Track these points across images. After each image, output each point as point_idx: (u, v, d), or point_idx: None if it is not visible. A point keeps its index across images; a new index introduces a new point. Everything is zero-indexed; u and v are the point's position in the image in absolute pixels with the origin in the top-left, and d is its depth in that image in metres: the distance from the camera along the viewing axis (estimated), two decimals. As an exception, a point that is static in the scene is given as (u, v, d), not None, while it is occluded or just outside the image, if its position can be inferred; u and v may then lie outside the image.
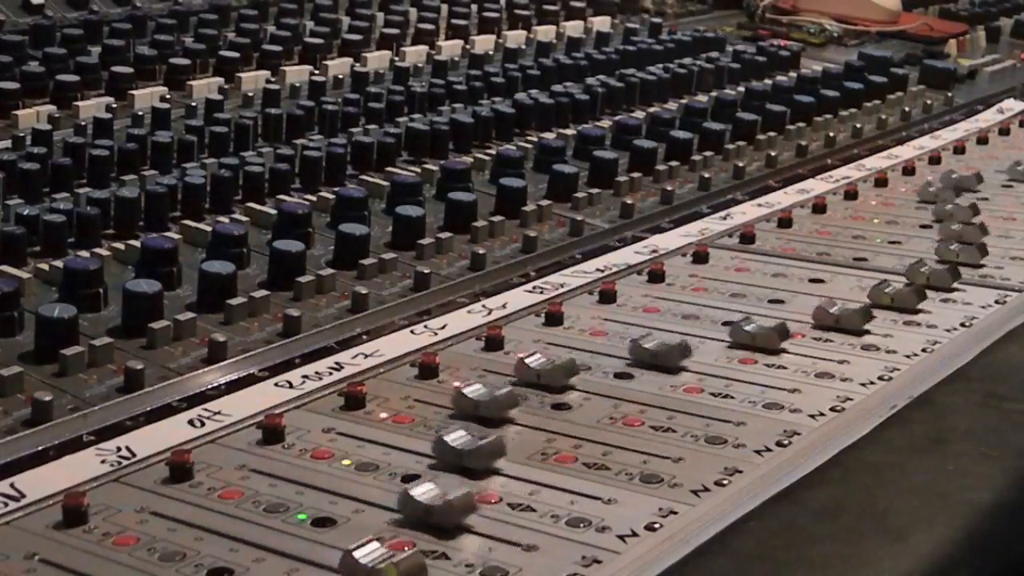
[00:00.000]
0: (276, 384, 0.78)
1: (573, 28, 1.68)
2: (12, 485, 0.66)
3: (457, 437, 0.69)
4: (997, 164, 1.30)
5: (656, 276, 0.97)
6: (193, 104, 1.24)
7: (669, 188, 1.14)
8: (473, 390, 0.74)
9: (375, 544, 0.59)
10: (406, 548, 0.60)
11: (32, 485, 0.66)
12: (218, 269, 0.87)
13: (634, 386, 0.80)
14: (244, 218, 1.00)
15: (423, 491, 0.64)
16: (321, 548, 0.62)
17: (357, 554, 0.58)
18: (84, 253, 0.91)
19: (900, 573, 0.62)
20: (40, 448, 0.70)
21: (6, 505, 0.64)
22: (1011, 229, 1.10)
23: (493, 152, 1.18)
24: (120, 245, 0.94)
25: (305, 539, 0.63)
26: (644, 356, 0.81)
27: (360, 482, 0.68)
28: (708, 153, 1.24)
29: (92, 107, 1.21)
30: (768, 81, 1.51)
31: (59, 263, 0.88)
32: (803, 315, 0.90)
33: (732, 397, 0.78)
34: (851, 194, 1.18)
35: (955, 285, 0.95)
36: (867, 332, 0.88)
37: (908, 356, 0.85)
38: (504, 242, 1.01)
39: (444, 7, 1.64)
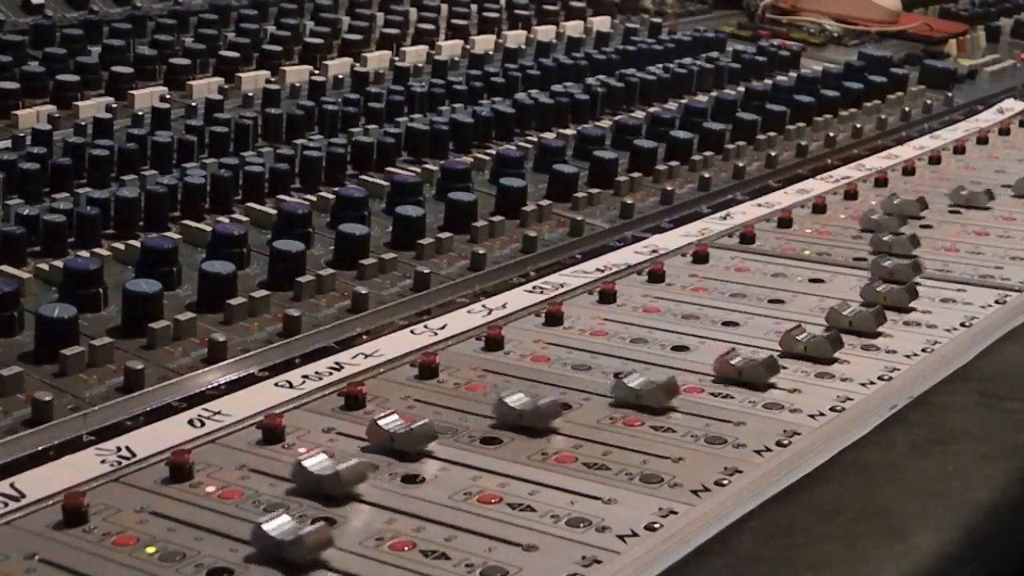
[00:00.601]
0: (276, 384, 0.78)
1: (573, 28, 1.68)
2: (12, 485, 0.66)
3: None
4: (997, 164, 1.30)
5: (656, 276, 0.97)
6: (193, 104, 1.24)
7: (669, 188, 1.14)
8: (515, 399, 0.74)
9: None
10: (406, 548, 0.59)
11: (32, 485, 0.66)
12: (218, 269, 0.87)
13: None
14: (244, 218, 1.00)
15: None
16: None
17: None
18: (84, 253, 0.91)
19: (901, 573, 0.62)
20: (40, 448, 0.70)
21: (6, 505, 0.64)
22: (1010, 229, 1.10)
23: (493, 152, 1.18)
24: (120, 245, 0.94)
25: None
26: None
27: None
28: (708, 153, 1.24)
29: (92, 107, 1.21)
30: (768, 81, 1.51)
31: (59, 263, 0.88)
32: (803, 315, 0.90)
33: (732, 397, 0.78)
34: (851, 194, 1.18)
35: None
36: (880, 335, 0.87)
37: (908, 356, 0.85)
38: (504, 242, 1.01)
39: (444, 7, 1.64)
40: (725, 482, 0.68)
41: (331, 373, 0.80)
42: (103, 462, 0.69)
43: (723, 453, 0.72)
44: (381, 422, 0.70)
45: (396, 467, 0.69)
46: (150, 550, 0.61)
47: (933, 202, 1.15)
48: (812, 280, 0.98)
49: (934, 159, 1.31)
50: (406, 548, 0.61)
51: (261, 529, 0.60)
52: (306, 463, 0.65)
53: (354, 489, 0.66)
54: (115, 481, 0.67)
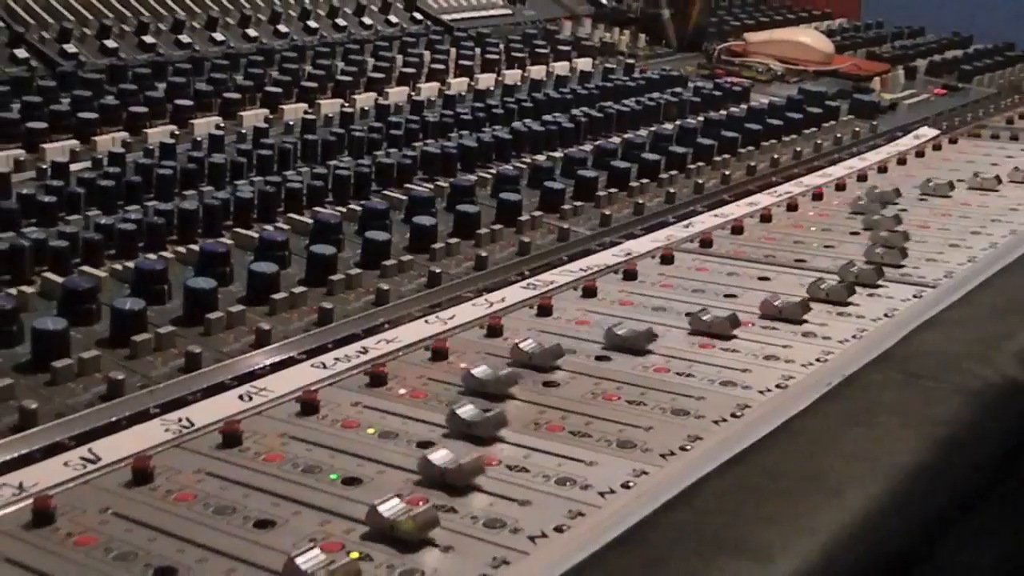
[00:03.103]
0: (312, 365, 0.78)
1: (560, 68, 1.68)
2: (90, 450, 0.66)
3: (466, 410, 0.69)
4: (913, 181, 1.29)
5: (630, 275, 0.97)
6: (243, 131, 1.24)
7: (640, 202, 1.14)
8: (480, 371, 0.74)
9: (396, 500, 0.58)
10: (421, 503, 0.59)
11: (106, 450, 0.66)
12: (263, 269, 0.87)
13: (612, 367, 0.79)
14: (286, 226, 1.00)
15: (439, 456, 0.63)
16: (349, 503, 0.61)
17: (381, 508, 0.58)
18: (152, 256, 0.91)
19: (836, 524, 0.62)
20: (113, 419, 0.70)
21: (84, 467, 0.64)
22: (926, 235, 1.10)
23: (494, 171, 1.18)
24: (182, 249, 0.94)
25: (336, 495, 0.62)
26: (616, 341, 0.81)
27: (383, 447, 0.68)
28: (673, 172, 1.24)
29: (159, 134, 1.21)
30: (723, 112, 1.51)
31: (131, 264, 0.88)
32: (752, 307, 0.90)
33: (693, 376, 0.78)
34: (792, 206, 1.18)
35: (880, 282, 0.95)
36: (806, 321, 0.87)
37: (841, 342, 0.85)
38: (503, 246, 1.01)
39: (453, 51, 1.64)
40: (688, 447, 0.68)
41: (358, 356, 0.80)
42: (166, 431, 0.68)
43: (686, 423, 0.71)
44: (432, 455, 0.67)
45: (415, 436, 0.69)
46: (209, 508, 0.61)
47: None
48: (760, 278, 0.98)
49: (861, 177, 1.31)
50: (421, 503, 0.61)
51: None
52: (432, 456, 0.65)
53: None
54: (176, 447, 0.67)
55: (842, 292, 0.91)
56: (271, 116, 1.31)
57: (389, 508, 0.58)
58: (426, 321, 0.86)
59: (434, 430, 0.70)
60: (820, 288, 0.91)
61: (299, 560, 0.54)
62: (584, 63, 1.72)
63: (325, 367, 0.78)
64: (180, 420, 0.70)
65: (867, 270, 0.95)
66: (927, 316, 0.90)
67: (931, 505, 0.68)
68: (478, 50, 1.66)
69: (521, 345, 0.78)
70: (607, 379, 0.77)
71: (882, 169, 1.35)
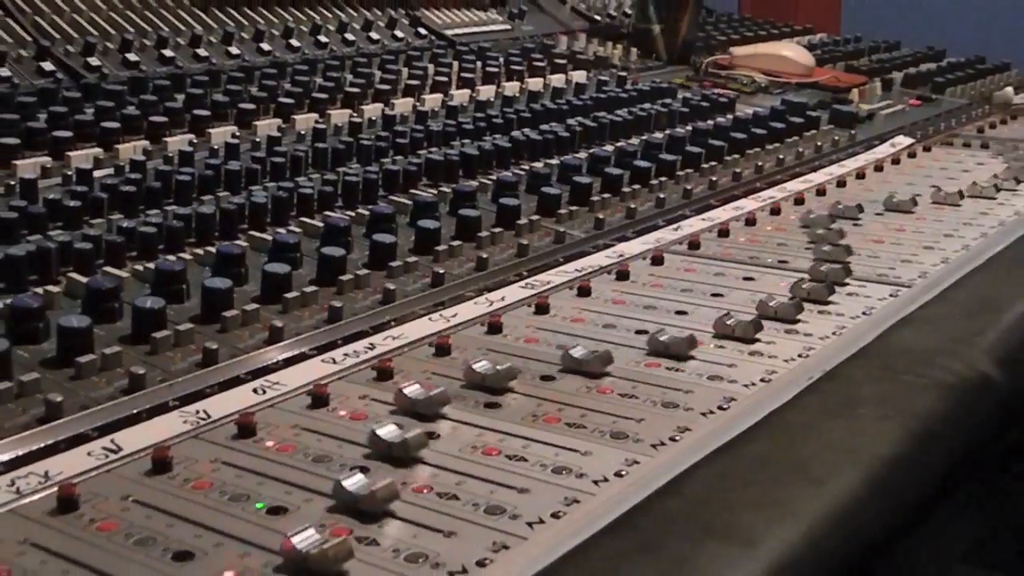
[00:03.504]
0: (322, 360, 0.78)
1: (557, 80, 1.68)
2: (112, 440, 0.66)
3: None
4: (890, 187, 1.29)
5: (622, 275, 0.97)
6: (258, 140, 1.24)
7: (632, 206, 1.14)
8: (481, 366, 0.74)
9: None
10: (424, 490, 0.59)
11: (127, 440, 0.66)
12: (277, 270, 0.87)
13: (605, 362, 0.79)
14: (298, 229, 1.00)
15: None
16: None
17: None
18: (171, 257, 0.91)
19: (817, 511, 0.61)
20: (134, 411, 0.70)
21: (107, 456, 0.64)
22: (901, 238, 1.10)
23: (494, 178, 1.17)
24: (200, 251, 0.93)
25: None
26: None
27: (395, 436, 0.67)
28: (663, 179, 1.24)
29: (178, 142, 1.21)
30: (710, 122, 1.51)
31: (151, 265, 0.88)
32: (740, 306, 0.90)
33: (682, 371, 0.78)
34: (775, 210, 1.18)
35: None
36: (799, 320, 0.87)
37: (822, 338, 0.84)
38: (503, 248, 1.01)
39: (455, 64, 1.64)
40: (677, 438, 0.68)
41: (366, 351, 0.79)
42: (184, 422, 0.68)
43: (675, 415, 0.71)
44: (406, 390, 0.70)
45: (418, 426, 0.69)
46: (225, 495, 0.61)
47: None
48: (745, 278, 0.98)
49: (840, 183, 1.31)
50: (424, 491, 0.61)
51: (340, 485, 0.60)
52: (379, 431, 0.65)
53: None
54: (194, 437, 0.67)
55: (823, 291, 0.90)
56: (284, 126, 1.31)
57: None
58: (430, 319, 0.86)
59: (439, 422, 0.69)
60: (802, 288, 0.90)
61: (295, 539, 0.54)
62: (579, 75, 1.72)
63: (335, 362, 0.78)
64: (197, 412, 0.69)
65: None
66: (903, 314, 0.90)
67: (907, 493, 0.68)
68: (479, 63, 1.66)
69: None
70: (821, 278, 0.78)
71: (860, 175, 1.35)
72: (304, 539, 0.54)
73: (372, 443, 0.65)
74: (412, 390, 0.70)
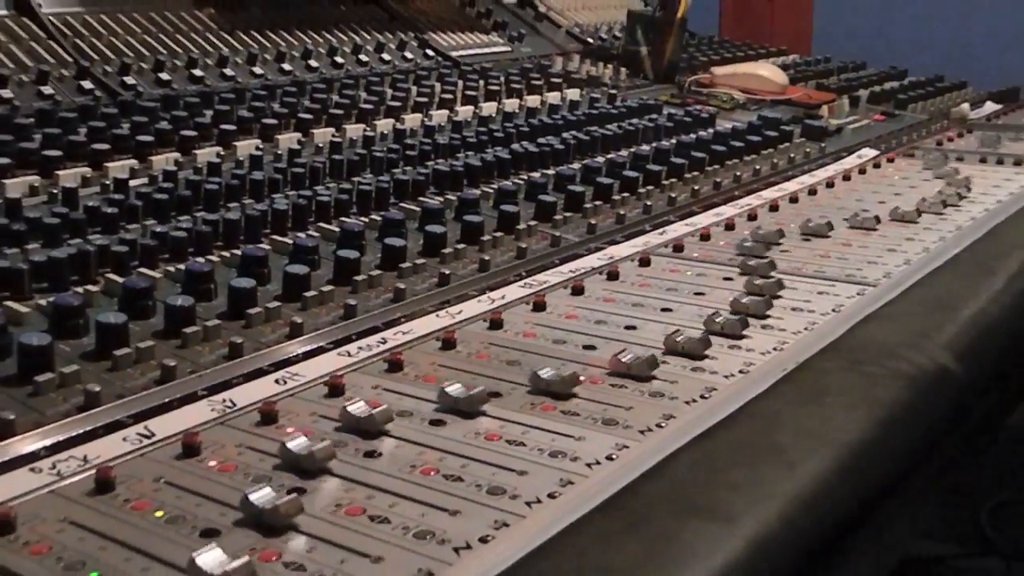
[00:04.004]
0: (338, 353, 0.78)
1: (553, 97, 1.68)
2: (145, 427, 0.66)
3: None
4: (857, 195, 1.29)
5: (613, 276, 0.97)
6: (279, 152, 1.24)
7: (622, 212, 1.14)
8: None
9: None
10: (432, 472, 0.58)
11: (160, 427, 0.66)
12: (297, 270, 0.87)
13: (596, 355, 0.79)
14: (316, 234, 1.00)
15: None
16: (364, 471, 0.61)
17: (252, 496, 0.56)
18: (200, 259, 0.91)
19: (791, 492, 0.61)
20: (166, 400, 0.69)
21: (140, 442, 0.64)
22: (868, 242, 1.09)
23: (495, 187, 1.17)
24: (226, 254, 0.93)
25: (355, 465, 0.62)
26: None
27: (399, 423, 0.67)
28: (650, 187, 1.23)
29: (206, 154, 1.21)
30: (693, 135, 1.51)
31: (182, 266, 0.88)
32: (720, 304, 0.89)
33: (668, 363, 0.78)
34: (752, 216, 1.18)
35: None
36: (768, 316, 0.86)
37: (794, 333, 0.84)
38: (503, 251, 1.01)
39: (460, 83, 1.64)
40: (663, 425, 0.68)
41: (378, 345, 0.79)
42: (212, 410, 0.68)
43: (662, 403, 0.71)
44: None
45: (428, 415, 0.69)
46: (249, 477, 0.60)
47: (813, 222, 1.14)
48: (725, 278, 0.97)
49: (812, 191, 1.31)
50: (432, 473, 0.61)
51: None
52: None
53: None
54: (221, 424, 0.67)
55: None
56: (303, 139, 1.31)
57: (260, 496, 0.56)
58: (437, 315, 0.86)
59: (443, 412, 0.69)
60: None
61: (252, 496, 0.55)
62: (573, 93, 1.72)
63: (350, 355, 0.77)
64: (224, 401, 0.69)
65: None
66: (869, 311, 0.89)
67: (873, 475, 0.68)
68: (482, 82, 1.66)
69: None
70: (592, 366, 0.77)
71: (830, 184, 1.34)
72: (261, 496, 0.56)
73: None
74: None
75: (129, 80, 1.41)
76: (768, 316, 0.87)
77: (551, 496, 0.59)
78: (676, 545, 0.55)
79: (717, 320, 0.83)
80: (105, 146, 1.15)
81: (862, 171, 1.43)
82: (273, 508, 0.55)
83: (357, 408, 0.66)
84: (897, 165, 1.48)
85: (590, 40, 2.16)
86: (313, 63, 1.63)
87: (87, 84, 1.37)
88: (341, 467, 0.62)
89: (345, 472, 0.61)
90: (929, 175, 1.41)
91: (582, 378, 0.74)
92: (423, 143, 1.28)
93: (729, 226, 1.14)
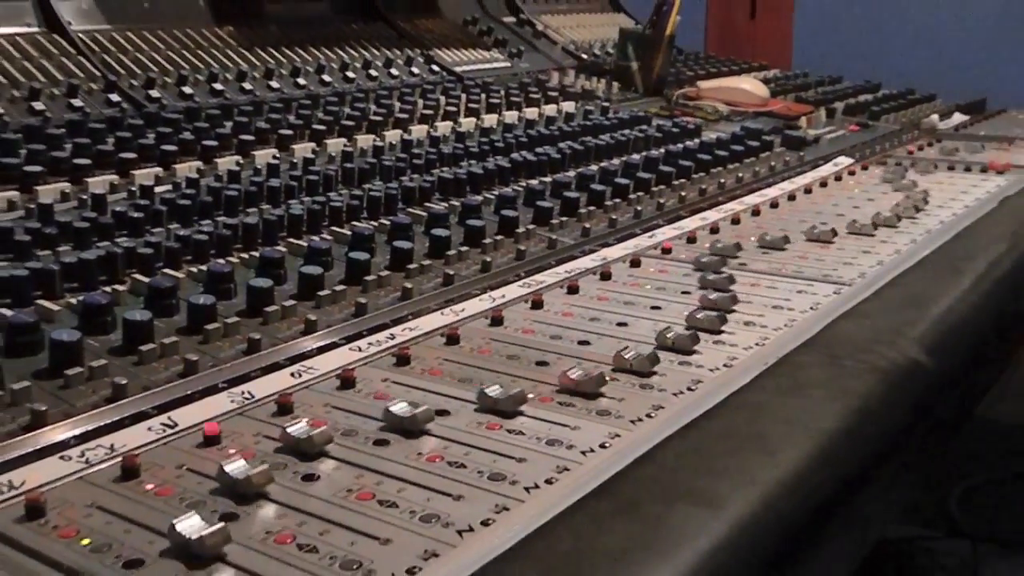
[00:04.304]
0: (350, 348, 0.77)
1: (550, 110, 1.68)
2: (169, 417, 0.65)
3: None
4: (833, 200, 1.29)
5: (605, 276, 0.96)
6: (295, 161, 1.23)
7: (614, 217, 1.13)
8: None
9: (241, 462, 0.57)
10: (438, 459, 0.58)
11: (182, 418, 0.65)
12: (311, 271, 0.86)
13: (591, 350, 0.79)
14: (329, 237, 0.99)
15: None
16: (377, 459, 0.60)
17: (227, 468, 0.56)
18: (220, 261, 0.90)
19: (773, 477, 0.61)
20: (188, 392, 0.69)
21: (164, 431, 0.64)
22: (846, 245, 1.09)
23: (496, 193, 1.17)
24: (245, 255, 0.93)
25: (366, 453, 0.61)
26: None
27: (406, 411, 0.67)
28: (640, 193, 1.23)
29: (227, 162, 1.20)
30: (680, 145, 1.50)
31: (204, 267, 0.87)
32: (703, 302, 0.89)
33: (658, 359, 0.77)
34: (736, 220, 1.18)
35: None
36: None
37: (775, 329, 0.84)
38: (504, 253, 1.01)
39: (463, 96, 1.63)
40: (653, 415, 0.68)
41: (387, 341, 0.79)
42: (232, 402, 0.68)
43: (651, 395, 0.71)
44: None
45: (433, 407, 0.68)
46: (264, 463, 0.60)
47: (790, 229, 1.14)
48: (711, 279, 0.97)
49: (791, 197, 1.30)
50: (438, 459, 0.60)
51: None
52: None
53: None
54: (240, 415, 0.67)
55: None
56: (317, 149, 1.31)
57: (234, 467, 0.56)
58: (441, 313, 0.85)
59: (449, 401, 0.69)
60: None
61: (227, 467, 0.56)
62: (568, 106, 1.72)
63: (360, 350, 0.77)
64: (243, 393, 0.69)
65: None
66: (845, 308, 0.89)
67: (849, 462, 0.67)
68: (483, 96, 1.65)
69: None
70: (587, 360, 0.76)
71: (808, 190, 1.34)
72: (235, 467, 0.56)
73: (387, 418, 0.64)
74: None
75: (154, 93, 1.41)
76: (746, 314, 0.87)
77: (548, 482, 0.59)
78: (665, 528, 0.55)
79: (698, 316, 0.83)
80: (132, 155, 1.15)
81: (838, 178, 1.43)
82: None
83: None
84: (871, 173, 1.48)
85: (584, 56, 2.15)
86: (326, 78, 1.63)
87: (114, 97, 1.37)
88: (352, 454, 0.61)
89: (354, 459, 0.60)
90: (900, 183, 1.40)
91: (580, 372, 0.74)
92: (429, 152, 1.28)
93: (714, 229, 1.13)
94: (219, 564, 0.51)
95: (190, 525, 0.51)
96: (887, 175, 1.42)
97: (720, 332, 0.82)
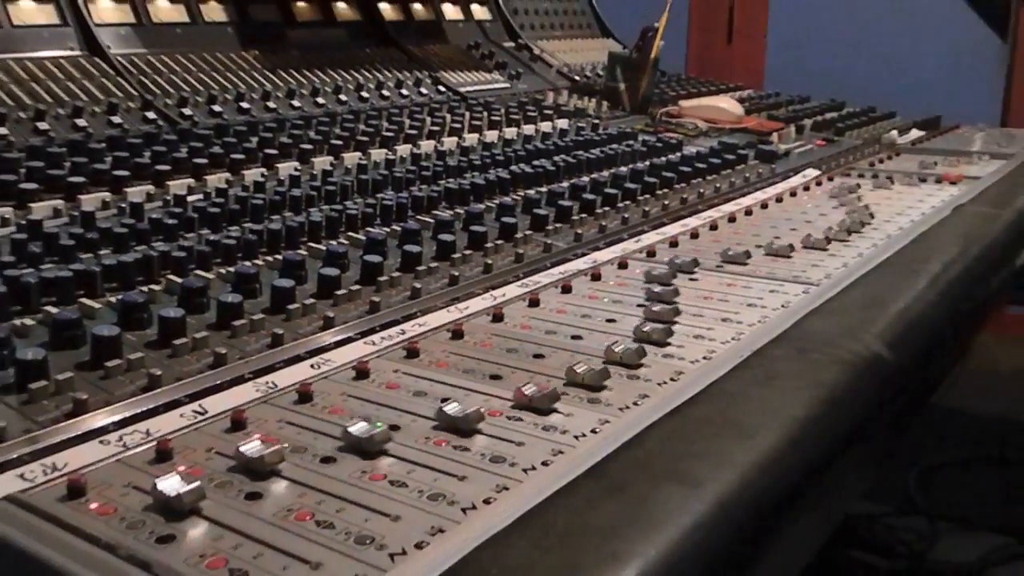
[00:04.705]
0: (364, 343, 0.77)
1: (545, 127, 1.67)
2: (200, 405, 0.65)
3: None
4: (800, 207, 1.28)
5: (595, 277, 0.96)
6: (314, 172, 1.23)
7: (604, 223, 1.13)
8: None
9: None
10: (444, 445, 0.58)
11: (212, 405, 0.65)
12: (329, 272, 0.86)
13: (583, 344, 0.78)
14: (345, 242, 0.99)
15: (455, 407, 0.62)
16: (391, 444, 0.60)
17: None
18: (247, 263, 0.90)
19: (748, 460, 0.61)
20: (218, 382, 0.69)
21: (195, 418, 0.63)
22: (824, 255, 1.09)
23: (497, 202, 1.17)
24: (270, 258, 0.93)
25: (378, 440, 0.61)
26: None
27: (416, 401, 0.67)
28: (627, 202, 1.23)
29: (253, 174, 1.20)
30: (663, 158, 1.50)
31: (232, 269, 0.87)
32: (683, 301, 0.89)
33: (644, 352, 0.77)
34: (713, 226, 1.17)
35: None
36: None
37: (750, 325, 0.84)
38: (504, 256, 1.00)
39: (467, 114, 1.63)
40: (639, 403, 0.67)
41: (398, 336, 0.79)
42: (257, 391, 0.68)
43: (637, 384, 0.71)
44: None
45: (439, 395, 0.68)
46: (287, 447, 0.60)
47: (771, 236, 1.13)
48: (691, 279, 0.97)
49: (764, 205, 1.30)
50: (443, 444, 0.60)
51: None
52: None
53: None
54: (264, 403, 0.66)
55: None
56: (335, 162, 1.30)
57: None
58: (447, 311, 0.85)
59: (454, 390, 0.69)
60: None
61: (243, 448, 0.55)
62: (562, 123, 1.71)
63: (374, 344, 0.77)
64: (267, 383, 0.69)
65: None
66: (813, 306, 0.89)
67: (818, 446, 0.67)
68: (485, 114, 1.65)
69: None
70: (581, 353, 0.76)
71: (779, 199, 1.34)
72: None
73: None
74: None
75: (186, 111, 1.41)
76: (723, 311, 0.86)
77: (544, 464, 0.59)
78: (651, 505, 0.55)
79: (653, 310, 0.81)
80: (166, 167, 1.15)
81: (807, 188, 1.42)
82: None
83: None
84: (836, 183, 1.48)
85: (576, 78, 2.15)
86: (343, 97, 1.63)
87: (151, 115, 1.37)
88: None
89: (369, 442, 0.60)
90: (865, 191, 1.40)
91: (577, 364, 0.74)
92: (436, 165, 1.27)
93: (694, 235, 1.13)
94: (241, 538, 0.50)
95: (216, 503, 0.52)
96: (834, 191, 1.41)
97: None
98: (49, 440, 0.60)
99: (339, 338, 0.78)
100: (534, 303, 0.88)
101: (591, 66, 2.26)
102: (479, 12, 2.20)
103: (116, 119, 1.32)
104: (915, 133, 1.94)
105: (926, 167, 1.58)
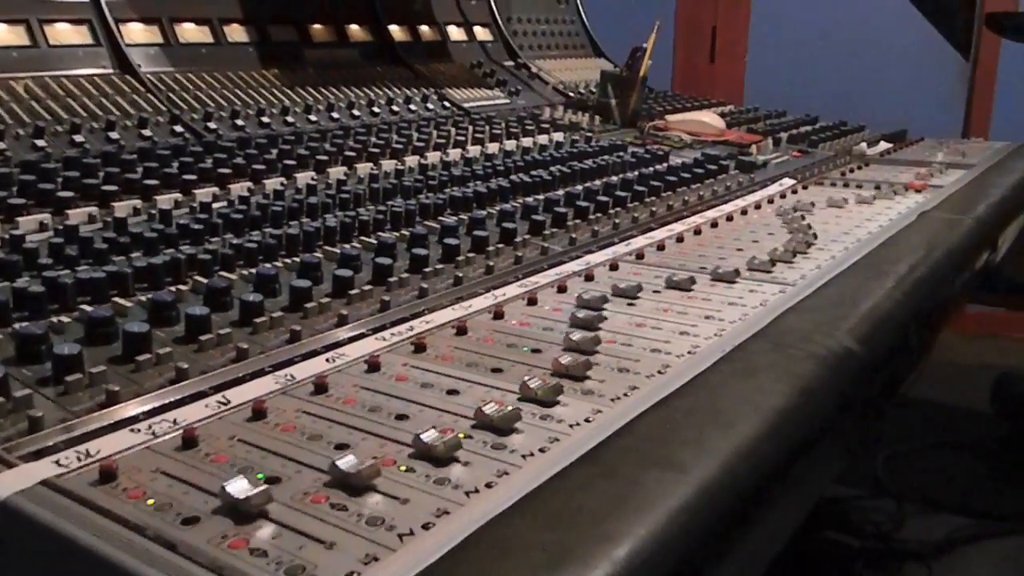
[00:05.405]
0: (375, 338, 0.77)
1: (542, 139, 1.67)
2: (223, 396, 0.65)
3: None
4: (778, 211, 1.28)
5: (589, 278, 0.96)
6: (330, 182, 1.23)
7: (596, 228, 1.13)
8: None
9: (432, 430, 0.56)
10: (448, 432, 0.57)
11: (234, 396, 0.65)
12: (343, 273, 0.86)
13: (577, 340, 0.78)
14: (358, 246, 0.99)
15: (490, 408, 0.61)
16: (398, 431, 0.60)
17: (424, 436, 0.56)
18: (268, 265, 0.90)
19: (730, 447, 0.61)
20: (240, 375, 0.69)
21: (219, 408, 0.63)
22: (800, 257, 1.09)
23: (498, 209, 1.16)
24: (288, 261, 0.92)
25: (388, 426, 0.61)
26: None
27: (423, 392, 0.66)
28: (617, 209, 1.22)
29: (272, 183, 1.20)
30: (651, 168, 1.50)
31: (253, 270, 0.87)
32: (675, 298, 0.88)
33: (631, 345, 0.77)
34: (697, 231, 1.17)
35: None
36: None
37: (731, 322, 0.83)
38: (504, 259, 1.00)
39: (470, 127, 1.63)
40: (629, 394, 0.67)
41: (407, 332, 0.78)
42: (276, 383, 0.67)
43: (627, 377, 0.70)
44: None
45: (444, 388, 0.67)
46: (304, 435, 0.60)
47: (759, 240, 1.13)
48: (676, 279, 0.96)
49: (744, 211, 1.30)
50: (448, 432, 0.60)
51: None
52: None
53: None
54: (283, 394, 0.66)
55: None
56: (348, 172, 1.30)
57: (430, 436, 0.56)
58: (452, 309, 0.85)
59: (458, 383, 0.68)
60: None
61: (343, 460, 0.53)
62: (558, 136, 1.71)
63: (384, 340, 0.76)
64: (286, 376, 0.69)
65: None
66: (788, 305, 0.89)
67: (794, 434, 0.67)
68: (487, 127, 1.65)
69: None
70: (575, 350, 0.76)
71: (758, 205, 1.33)
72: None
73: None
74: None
75: (211, 125, 1.40)
76: (706, 309, 0.86)
77: (542, 451, 0.58)
78: (640, 489, 0.55)
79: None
80: (193, 177, 1.15)
81: (783, 195, 1.42)
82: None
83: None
84: (810, 191, 1.47)
85: (571, 94, 2.15)
86: (356, 112, 1.62)
87: (178, 128, 1.36)
88: (377, 427, 0.60)
89: (379, 431, 0.60)
90: (838, 198, 1.40)
91: (572, 359, 0.73)
92: (442, 175, 1.27)
93: (679, 239, 1.13)
94: (262, 520, 0.50)
95: (238, 487, 0.51)
96: (778, 211, 1.41)
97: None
98: (83, 429, 0.60)
99: (352, 334, 0.78)
100: (532, 302, 0.88)
101: (584, 83, 2.26)
102: (481, 33, 2.20)
103: (146, 132, 1.32)
104: (883, 145, 1.94)
105: (893, 177, 1.58)
